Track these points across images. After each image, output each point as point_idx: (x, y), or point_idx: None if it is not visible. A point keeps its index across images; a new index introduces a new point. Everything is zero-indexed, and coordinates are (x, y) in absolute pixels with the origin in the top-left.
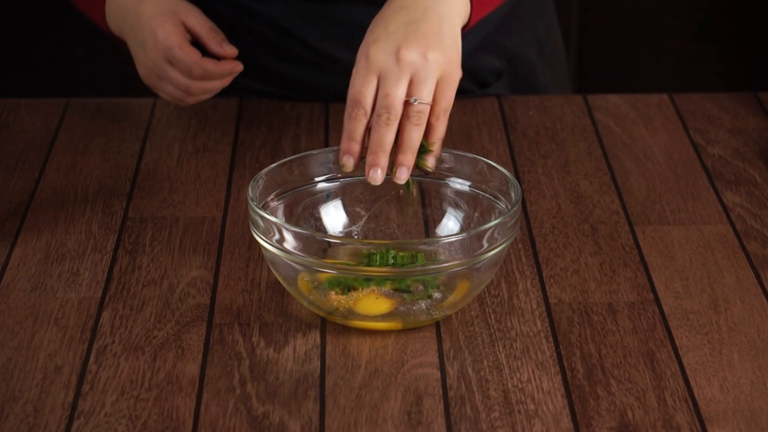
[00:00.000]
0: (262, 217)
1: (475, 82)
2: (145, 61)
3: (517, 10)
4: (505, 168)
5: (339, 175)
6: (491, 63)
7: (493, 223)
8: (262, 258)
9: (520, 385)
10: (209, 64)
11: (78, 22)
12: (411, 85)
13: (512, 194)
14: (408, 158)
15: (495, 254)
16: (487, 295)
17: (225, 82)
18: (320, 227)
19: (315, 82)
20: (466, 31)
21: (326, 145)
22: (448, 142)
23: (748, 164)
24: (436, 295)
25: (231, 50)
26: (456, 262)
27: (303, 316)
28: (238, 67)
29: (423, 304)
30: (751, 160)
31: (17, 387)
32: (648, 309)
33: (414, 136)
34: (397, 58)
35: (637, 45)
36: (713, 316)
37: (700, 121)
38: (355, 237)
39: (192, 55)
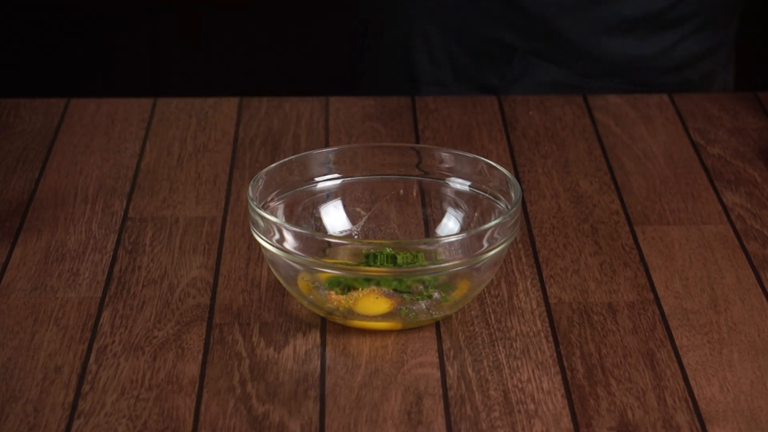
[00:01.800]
0: (262, 217)
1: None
2: None
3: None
4: (505, 168)
5: (339, 175)
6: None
7: (493, 223)
8: (262, 258)
9: (520, 385)
10: None
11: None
12: None
13: (512, 194)
14: None
15: (495, 254)
16: (487, 295)
17: None
18: (320, 227)
19: None
20: None
21: (326, 145)
22: (448, 142)
23: (748, 164)
24: (436, 295)
25: None
26: (456, 262)
27: (303, 316)
28: None
29: (423, 304)
30: (751, 160)
31: (17, 387)
32: (648, 309)
33: None
34: None
35: None
36: (713, 316)
37: (700, 121)
38: (355, 237)
39: None
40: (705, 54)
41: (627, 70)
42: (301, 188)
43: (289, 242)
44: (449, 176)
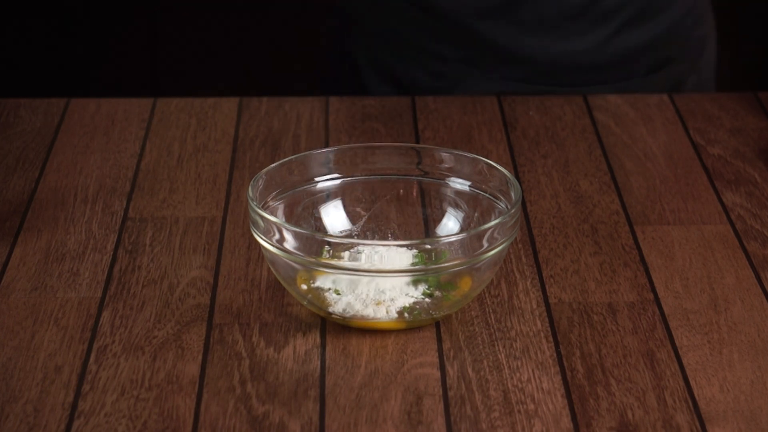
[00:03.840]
0: (262, 217)
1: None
2: None
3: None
4: (505, 168)
5: (339, 175)
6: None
7: (493, 223)
8: (262, 258)
9: (520, 385)
10: None
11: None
12: None
13: (512, 194)
14: None
15: (495, 254)
16: (487, 295)
17: None
18: (320, 227)
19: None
20: None
21: (326, 145)
22: (448, 142)
23: (748, 164)
24: (437, 294)
25: None
26: (456, 262)
27: (303, 316)
28: None
29: (423, 304)
30: (751, 160)
31: (17, 387)
32: (648, 309)
33: None
34: None
35: None
36: (713, 316)
37: (700, 121)
38: (355, 237)
39: None
40: (644, 48)
41: (560, 69)
42: (301, 188)
43: (289, 242)
44: (449, 176)
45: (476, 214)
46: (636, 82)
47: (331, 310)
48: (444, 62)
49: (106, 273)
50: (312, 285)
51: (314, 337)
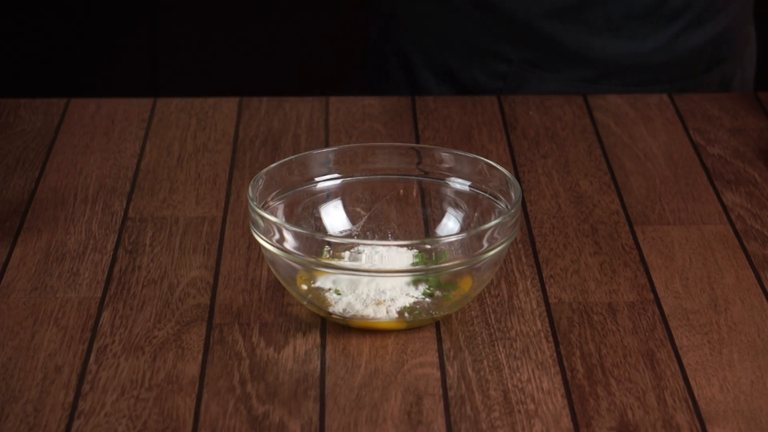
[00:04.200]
0: (262, 217)
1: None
2: None
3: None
4: (505, 168)
5: (339, 175)
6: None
7: (493, 223)
8: (262, 258)
9: (520, 385)
10: None
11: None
12: None
13: (512, 194)
14: None
15: (495, 254)
16: (487, 295)
17: None
18: (320, 227)
19: None
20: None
21: (326, 145)
22: (448, 142)
23: (748, 164)
24: (437, 294)
25: None
26: (456, 262)
27: (303, 316)
28: None
29: (423, 304)
30: (751, 160)
31: (17, 387)
32: (648, 309)
33: None
34: None
35: None
36: (713, 316)
37: (700, 121)
38: (355, 237)
39: None
40: (705, 47)
41: (625, 70)
42: (301, 188)
43: (289, 242)
44: (449, 176)
45: (476, 214)
46: (693, 81)
47: (331, 310)
48: (508, 63)
49: (106, 273)
50: (312, 285)
51: (314, 337)
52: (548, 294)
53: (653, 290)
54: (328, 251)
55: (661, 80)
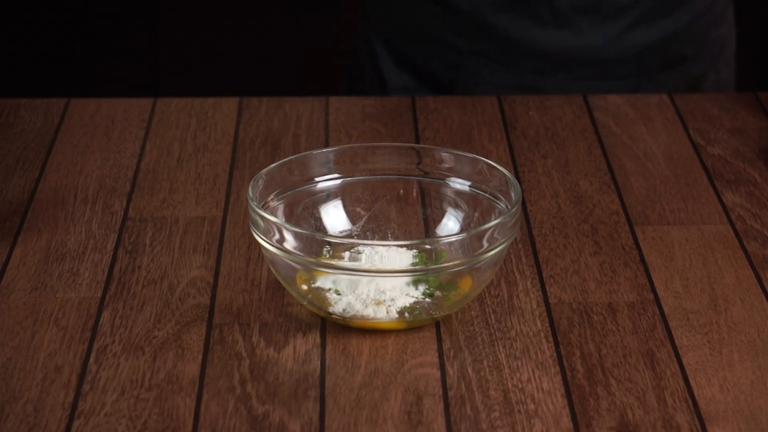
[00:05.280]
0: (262, 217)
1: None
2: None
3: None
4: (505, 168)
5: (339, 175)
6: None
7: (493, 223)
8: (262, 258)
9: (520, 385)
10: None
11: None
12: None
13: (512, 194)
14: None
15: (495, 254)
16: (487, 295)
17: None
18: (320, 227)
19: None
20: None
21: (326, 145)
22: (448, 142)
23: (748, 164)
24: (437, 294)
25: None
26: (456, 262)
27: (303, 316)
28: None
29: (423, 304)
30: (751, 160)
31: (17, 387)
32: (648, 309)
33: None
34: None
35: None
36: (713, 316)
37: (700, 121)
38: (355, 237)
39: None
40: (658, 45)
41: (573, 63)
42: (301, 188)
43: (289, 242)
44: (449, 176)
45: (476, 214)
46: (651, 78)
47: (331, 310)
48: (460, 54)
49: (106, 273)
50: (312, 285)
51: (314, 337)
52: (548, 294)
53: (653, 290)
54: (328, 251)
55: (611, 75)
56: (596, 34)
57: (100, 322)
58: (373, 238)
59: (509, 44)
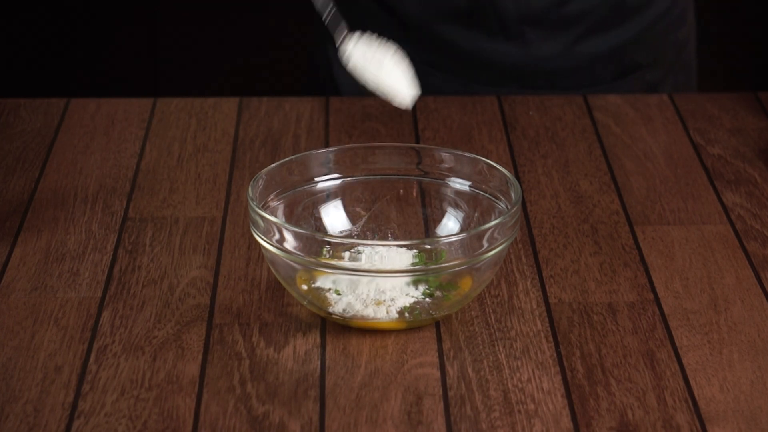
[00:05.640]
0: (262, 217)
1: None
2: None
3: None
4: (505, 168)
5: (339, 175)
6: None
7: (493, 223)
8: (262, 258)
9: (520, 385)
10: None
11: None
12: None
13: (512, 194)
14: None
15: (495, 254)
16: (487, 295)
17: None
18: (320, 227)
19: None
20: None
21: (326, 145)
22: (448, 142)
23: (748, 164)
24: (437, 294)
25: None
26: (456, 262)
27: (303, 316)
28: None
29: (423, 304)
30: (751, 160)
31: (17, 387)
32: (648, 309)
33: None
34: None
35: None
36: (713, 316)
37: (700, 121)
38: (355, 237)
39: None
40: (611, 55)
41: (523, 74)
42: (301, 188)
43: (289, 242)
44: (449, 176)
45: (476, 214)
46: (604, 87)
47: (331, 310)
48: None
49: (106, 273)
50: (312, 285)
51: (314, 337)
52: (548, 294)
53: (653, 290)
54: (328, 251)
55: (563, 86)
56: (545, 45)
57: (100, 322)
58: (373, 238)
59: (459, 56)
